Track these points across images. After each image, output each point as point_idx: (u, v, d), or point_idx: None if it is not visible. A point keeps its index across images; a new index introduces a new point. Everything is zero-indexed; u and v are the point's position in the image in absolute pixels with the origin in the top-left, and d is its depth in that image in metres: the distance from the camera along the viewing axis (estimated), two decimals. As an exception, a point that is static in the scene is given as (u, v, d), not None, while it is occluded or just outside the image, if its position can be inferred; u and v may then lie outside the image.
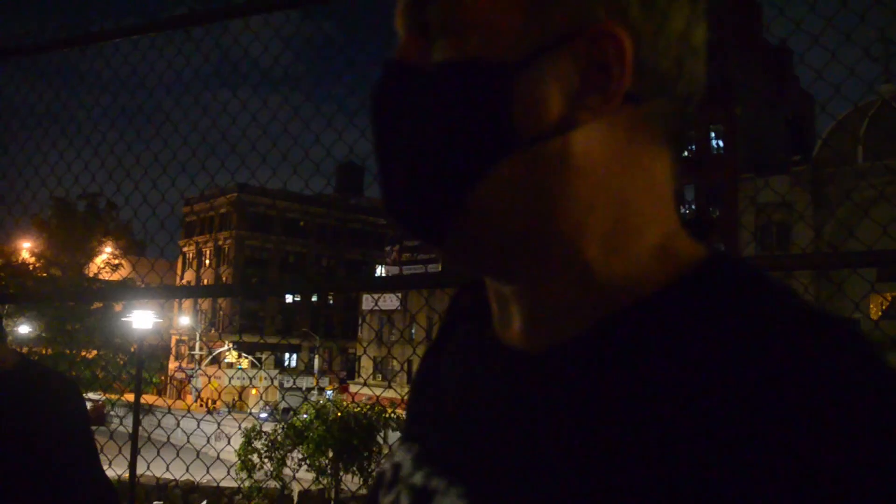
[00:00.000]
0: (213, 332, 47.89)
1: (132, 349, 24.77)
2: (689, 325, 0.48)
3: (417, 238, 0.59)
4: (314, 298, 54.38)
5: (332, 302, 57.55)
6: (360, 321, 42.59)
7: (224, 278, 53.50)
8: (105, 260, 26.20)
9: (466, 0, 0.55)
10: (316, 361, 41.53)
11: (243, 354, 35.99)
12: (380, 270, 54.98)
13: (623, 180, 0.55)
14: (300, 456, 18.20)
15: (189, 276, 55.56)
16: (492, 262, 0.58)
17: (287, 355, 51.47)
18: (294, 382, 24.75)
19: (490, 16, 0.54)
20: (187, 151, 3.11)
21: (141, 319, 11.41)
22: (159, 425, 3.94)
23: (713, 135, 34.83)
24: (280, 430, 18.67)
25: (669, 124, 0.57)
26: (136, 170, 3.18)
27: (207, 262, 57.04)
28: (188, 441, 3.20)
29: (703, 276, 0.52)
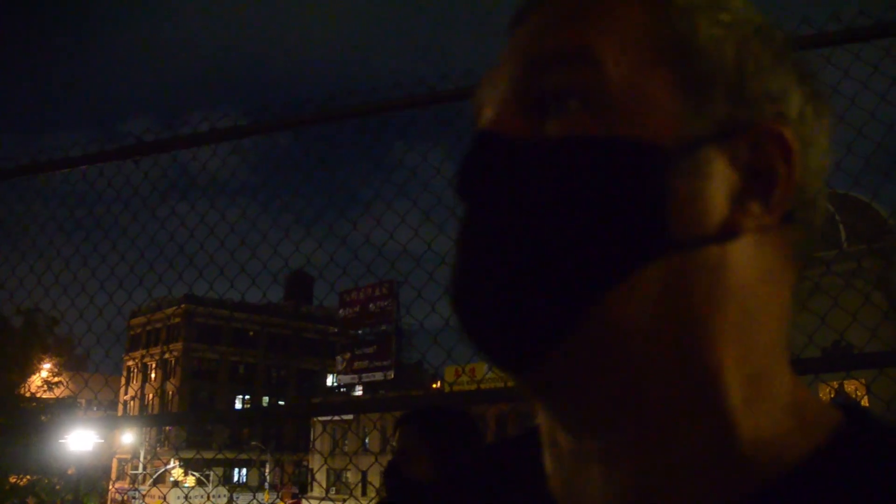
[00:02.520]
0: (158, 448, 45.68)
1: (69, 472, 23.38)
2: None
3: (503, 363, 0.45)
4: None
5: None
6: (311, 434, 41.27)
7: (170, 392, 51.58)
8: (44, 378, 25.04)
9: (611, 66, 0.45)
10: (267, 476, 39.72)
11: (190, 472, 34.28)
12: (330, 379, 53.85)
13: (767, 310, 0.46)
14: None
15: (134, 390, 53.44)
16: (606, 402, 0.44)
17: (237, 470, 49.21)
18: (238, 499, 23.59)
19: (642, 90, 0.45)
20: (126, 267, 3.07)
21: (80, 440, 10.80)
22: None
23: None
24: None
25: (801, 255, 0.49)
26: (74, 286, 3.10)
27: (153, 375, 55.08)
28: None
29: (861, 441, 0.43)
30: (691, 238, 0.43)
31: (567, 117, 0.45)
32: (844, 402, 0.47)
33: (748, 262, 0.45)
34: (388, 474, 1.73)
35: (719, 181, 0.44)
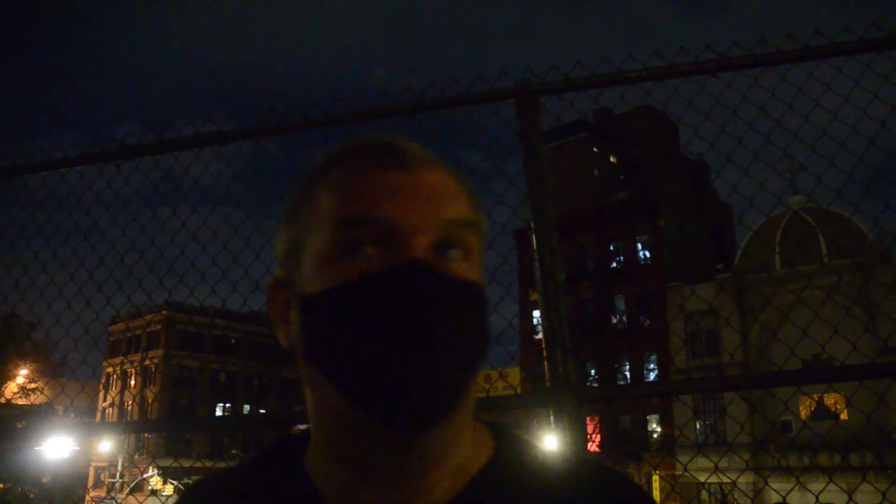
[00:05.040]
0: (136, 456, 45.11)
1: (44, 480, 23.01)
2: (526, 473, 0.75)
3: (427, 422, 0.67)
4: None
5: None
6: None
7: (150, 399, 51.05)
8: (20, 385, 24.63)
9: (479, 235, 0.75)
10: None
11: (169, 480, 33.84)
12: (314, 387, 53.25)
13: None
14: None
15: (112, 397, 52.72)
16: (442, 442, 0.71)
17: (215, 480, 48.61)
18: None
19: (481, 251, 0.76)
20: (105, 272, 3.02)
21: (56, 448, 10.63)
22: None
23: (640, 246, 36.11)
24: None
25: None
26: (52, 290, 3.05)
27: (132, 382, 54.45)
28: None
29: (511, 447, 0.79)
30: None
31: (468, 264, 0.72)
32: (494, 424, 0.81)
33: None
34: None
35: None
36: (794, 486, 2.87)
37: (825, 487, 2.29)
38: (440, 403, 0.66)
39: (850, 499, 2.10)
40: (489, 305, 0.74)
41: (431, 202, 0.70)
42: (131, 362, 53.82)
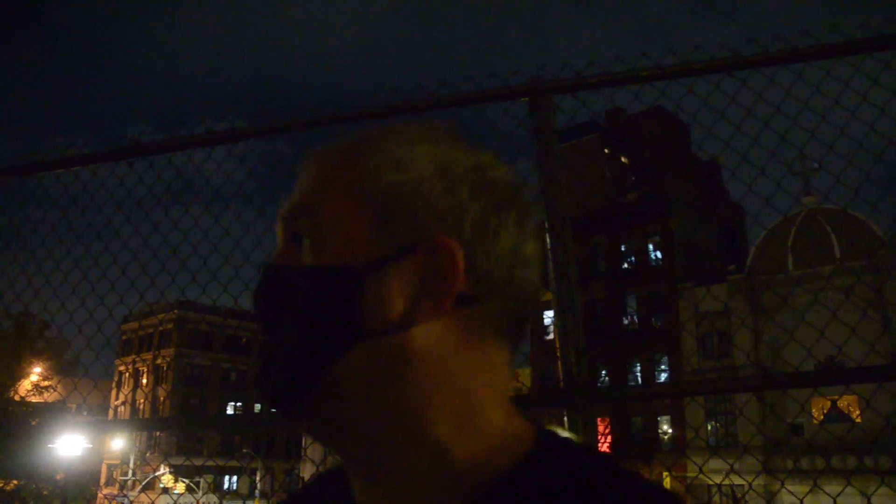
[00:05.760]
0: (148, 454, 45.36)
1: (58, 477, 23.16)
2: (554, 489, 0.60)
3: (278, 410, 0.66)
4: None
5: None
6: (303, 441, 41.01)
7: (162, 398, 51.33)
8: (34, 382, 24.76)
9: (325, 212, 0.66)
10: (258, 484, 39.42)
11: (180, 478, 34.02)
12: (325, 386, 53.37)
13: (464, 367, 0.64)
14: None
15: (125, 395, 53.05)
16: (343, 437, 0.65)
17: (227, 477, 48.89)
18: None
19: (344, 227, 0.65)
20: (118, 270, 3.02)
21: (69, 445, 10.67)
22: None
23: (651, 247, 35.96)
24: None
25: (506, 321, 0.67)
26: (65, 289, 3.06)
27: (144, 380, 54.74)
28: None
29: (545, 456, 0.63)
30: (377, 330, 0.62)
31: (307, 251, 0.66)
32: (541, 427, 0.66)
33: (433, 338, 0.63)
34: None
35: (402, 286, 0.63)
36: (811, 489, 2.84)
37: (843, 490, 2.26)
38: (277, 389, 0.65)
39: (869, 502, 2.07)
40: (332, 286, 0.63)
41: (287, 203, 0.72)
42: (143, 361, 54.10)
